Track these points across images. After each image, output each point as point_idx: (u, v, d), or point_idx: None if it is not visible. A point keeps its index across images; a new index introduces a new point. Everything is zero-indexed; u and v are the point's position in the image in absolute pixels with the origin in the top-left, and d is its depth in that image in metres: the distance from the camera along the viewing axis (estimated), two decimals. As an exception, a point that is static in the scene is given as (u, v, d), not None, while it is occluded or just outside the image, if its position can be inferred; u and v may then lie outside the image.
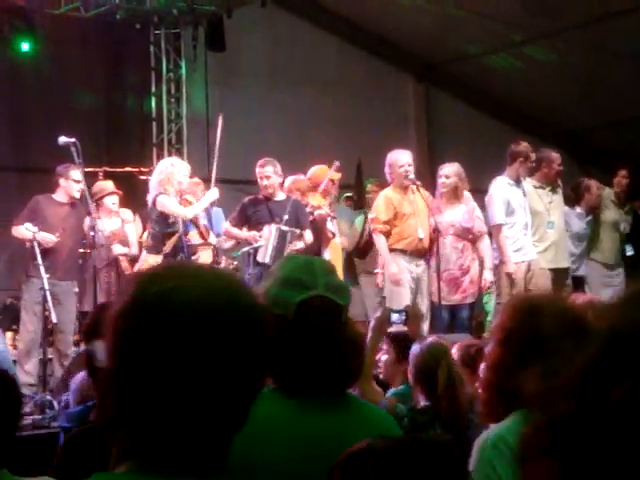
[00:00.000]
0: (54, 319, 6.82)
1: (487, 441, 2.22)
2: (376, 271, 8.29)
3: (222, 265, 8.58)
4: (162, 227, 7.26)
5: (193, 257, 7.33)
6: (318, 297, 2.09)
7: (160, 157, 10.63)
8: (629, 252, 9.17)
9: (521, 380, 2.21)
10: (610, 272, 8.99)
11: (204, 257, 7.53)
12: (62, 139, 7.20)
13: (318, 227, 7.92)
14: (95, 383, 2.69)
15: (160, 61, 11.50)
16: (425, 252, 7.77)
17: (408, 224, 7.71)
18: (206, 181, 8.13)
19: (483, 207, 7.86)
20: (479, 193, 8.07)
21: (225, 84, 11.77)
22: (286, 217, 7.49)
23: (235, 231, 7.79)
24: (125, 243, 8.11)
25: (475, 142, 13.07)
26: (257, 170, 7.72)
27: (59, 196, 7.60)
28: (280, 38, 12.41)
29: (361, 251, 8.93)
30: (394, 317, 4.04)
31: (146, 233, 8.14)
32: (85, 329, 3.16)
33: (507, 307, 2.40)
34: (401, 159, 7.77)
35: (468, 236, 7.75)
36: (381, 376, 4.79)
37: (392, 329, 4.13)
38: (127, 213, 8.36)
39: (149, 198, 7.37)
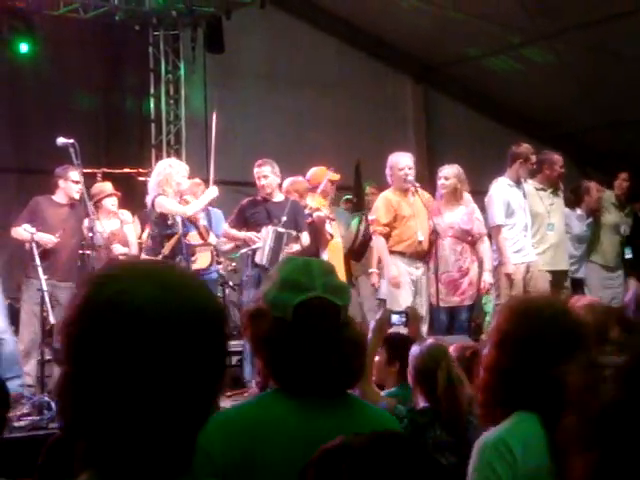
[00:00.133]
0: (52, 320, 6.81)
1: (487, 443, 2.22)
2: (370, 270, 8.28)
3: (222, 266, 8.60)
4: (161, 229, 7.23)
5: (191, 258, 7.31)
6: (316, 298, 2.08)
7: (159, 158, 10.62)
8: (628, 255, 9.17)
9: (519, 382, 2.20)
10: (610, 274, 9.00)
11: (202, 258, 7.51)
12: (60, 140, 7.17)
13: (317, 229, 7.91)
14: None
15: (159, 62, 11.51)
16: (424, 254, 7.75)
17: (408, 226, 7.69)
18: (205, 182, 8.12)
19: (483, 208, 7.86)
20: (479, 195, 8.06)
21: (224, 85, 11.75)
22: (284, 219, 7.47)
23: (233, 232, 7.77)
24: (125, 243, 8.11)
25: (474, 144, 13.08)
26: (255, 170, 7.70)
27: (59, 197, 7.58)
28: (279, 39, 12.40)
29: (356, 253, 8.93)
30: (394, 318, 4.04)
31: (145, 234, 8.13)
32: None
33: (503, 309, 2.40)
34: (401, 162, 7.75)
35: (467, 238, 7.74)
36: (373, 378, 4.78)
37: (392, 330, 4.13)
38: (126, 214, 8.36)
39: (148, 200, 7.35)
